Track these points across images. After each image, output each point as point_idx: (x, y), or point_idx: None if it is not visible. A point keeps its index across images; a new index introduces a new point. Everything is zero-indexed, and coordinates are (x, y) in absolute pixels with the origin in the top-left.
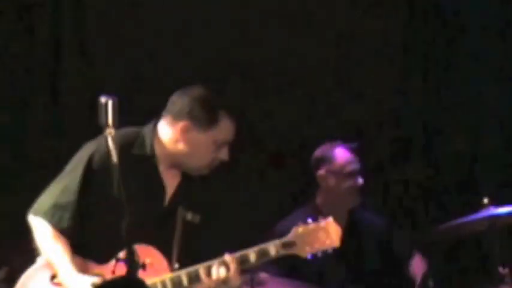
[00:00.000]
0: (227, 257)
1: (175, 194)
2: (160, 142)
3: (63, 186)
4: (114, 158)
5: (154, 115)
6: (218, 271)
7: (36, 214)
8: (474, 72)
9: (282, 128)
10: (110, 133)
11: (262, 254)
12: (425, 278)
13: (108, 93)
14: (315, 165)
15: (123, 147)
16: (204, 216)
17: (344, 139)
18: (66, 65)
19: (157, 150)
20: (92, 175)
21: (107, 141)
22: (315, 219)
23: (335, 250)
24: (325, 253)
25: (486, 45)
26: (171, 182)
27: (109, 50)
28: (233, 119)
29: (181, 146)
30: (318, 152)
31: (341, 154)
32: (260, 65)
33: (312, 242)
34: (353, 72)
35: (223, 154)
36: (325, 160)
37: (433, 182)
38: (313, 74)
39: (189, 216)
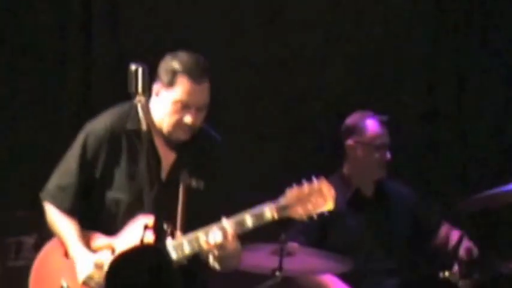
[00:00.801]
0: (224, 222)
1: (173, 167)
2: (150, 113)
3: (64, 169)
4: (144, 126)
5: None
6: (215, 237)
7: (43, 197)
8: None
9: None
10: (139, 101)
11: (258, 218)
12: (459, 241)
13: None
14: (345, 134)
15: (118, 123)
16: (208, 183)
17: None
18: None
19: (150, 123)
20: (87, 156)
21: (135, 109)
22: (343, 188)
23: (364, 217)
24: (321, 216)
25: None
26: (168, 154)
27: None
28: (195, 83)
29: (156, 109)
30: (348, 121)
31: (372, 126)
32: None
33: (306, 204)
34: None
35: (187, 118)
36: (355, 130)
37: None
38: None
39: (193, 183)
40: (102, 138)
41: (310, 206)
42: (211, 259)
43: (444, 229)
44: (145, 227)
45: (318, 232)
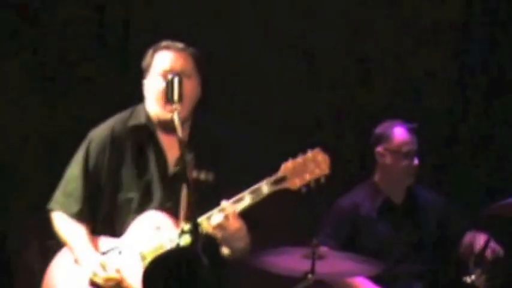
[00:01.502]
0: (223, 203)
1: (179, 158)
2: (148, 108)
3: (68, 176)
4: (179, 133)
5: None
6: (216, 218)
7: (51, 207)
8: None
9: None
10: (176, 109)
11: (256, 193)
12: (485, 245)
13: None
14: (374, 142)
15: (120, 125)
16: (216, 175)
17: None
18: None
19: (151, 117)
20: (90, 161)
21: (137, 109)
22: (373, 195)
23: (393, 224)
24: (318, 183)
25: None
26: (173, 146)
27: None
28: (167, 51)
29: (147, 99)
30: (378, 130)
31: (399, 134)
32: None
33: (301, 173)
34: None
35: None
36: (383, 138)
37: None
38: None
39: (202, 175)
40: (104, 142)
41: (306, 175)
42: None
43: (469, 236)
44: (182, 232)
45: (348, 236)
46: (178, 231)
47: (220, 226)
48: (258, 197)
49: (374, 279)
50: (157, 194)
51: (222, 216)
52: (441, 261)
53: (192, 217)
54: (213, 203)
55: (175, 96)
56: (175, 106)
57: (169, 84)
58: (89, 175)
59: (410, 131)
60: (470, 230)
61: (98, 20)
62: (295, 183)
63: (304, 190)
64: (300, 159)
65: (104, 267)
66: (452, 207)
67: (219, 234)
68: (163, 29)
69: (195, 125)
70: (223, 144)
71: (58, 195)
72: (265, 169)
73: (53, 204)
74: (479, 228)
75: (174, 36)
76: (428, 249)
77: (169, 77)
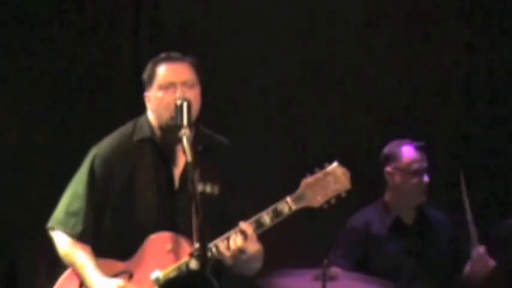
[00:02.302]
0: (243, 225)
1: (185, 171)
2: (151, 121)
3: (71, 195)
4: (189, 157)
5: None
6: (236, 240)
7: (52, 226)
8: None
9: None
10: (184, 133)
11: (276, 214)
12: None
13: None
14: (383, 162)
15: (124, 140)
16: (222, 188)
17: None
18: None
19: (155, 130)
20: (96, 179)
21: (140, 123)
22: (383, 215)
23: (404, 244)
24: (339, 199)
25: None
26: (178, 160)
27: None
28: (170, 63)
29: (152, 112)
30: (386, 149)
31: (408, 152)
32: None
33: (322, 190)
34: None
35: (178, 94)
36: (392, 157)
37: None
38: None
39: (208, 188)
40: (110, 159)
41: (327, 192)
42: (234, 265)
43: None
44: (190, 255)
45: (360, 256)
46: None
47: (240, 249)
48: (279, 218)
49: None
50: (166, 212)
51: (241, 239)
52: (452, 281)
53: (201, 240)
54: (219, 216)
55: (185, 121)
56: (185, 131)
57: (179, 109)
58: (94, 194)
59: (419, 149)
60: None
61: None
62: (318, 200)
63: (325, 207)
64: (319, 174)
65: None
66: (461, 231)
67: (238, 257)
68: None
69: (197, 135)
70: (227, 154)
71: (60, 213)
72: (272, 179)
73: (54, 223)
74: (491, 244)
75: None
76: (439, 269)
77: (178, 102)
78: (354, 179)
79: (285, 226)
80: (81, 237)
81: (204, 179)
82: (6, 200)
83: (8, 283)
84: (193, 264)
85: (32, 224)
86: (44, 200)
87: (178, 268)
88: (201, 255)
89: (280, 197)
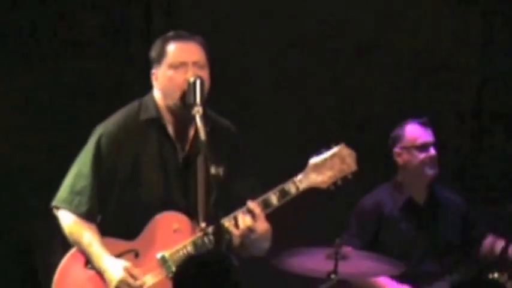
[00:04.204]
0: (251, 204)
1: (190, 152)
2: (157, 100)
3: (76, 173)
4: (203, 135)
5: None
6: (244, 220)
7: (56, 205)
8: None
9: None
10: (197, 112)
11: (283, 194)
12: (506, 248)
13: None
14: (391, 145)
15: (131, 118)
16: (226, 169)
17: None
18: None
19: (161, 110)
20: (102, 158)
21: (145, 101)
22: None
23: (416, 224)
24: (345, 180)
25: None
26: (184, 139)
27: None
28: (181, 42)
29: (159, 90)
30: (393, 132)
31: (410, 129)
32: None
33: (328, 171)
34: None
35: (189, 74)
36: (397, 138)
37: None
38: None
39: (213, 169)
40: (117, 138)
41: (333, 173)
42: (241, 245)
43: (489, 240)
44: (203, 231)
45: (372, 235)
46: (200, 233)
47: (248, 228)
48: (285, 198)
49: (397, 278)
50: (173, 191)
51: (250, 219)
52: (464, 261)
53: (214, 218)
54: (223, 198)
55: (198, 99)
56: (198, 109)
57: (192, 87)
58: (100, 173)
59: (422, 124)
60: (488, 235)
61: None
62: (324, 181)
63: (332, 188)
64: (326, 155)
65: (129, 272)
66: (473, 210)
67: (247, 237)
68: None
69: (204, 116)
70: (231, 136)
71: (65, 192)
72: (279, 160)
73: (58, 202)
74: (503, 225)
75: None
76: (450, 249)
77: (191, 79)
78: (366, 160)
79: (298, 205)
80: (86, 216)
81: (207, 160)
82: (21, 179)
83: (24, 263)
84: (208, 243)
85: (47, 203)
86: (59, 179)
87: (185, 247)
88: (217, 232)
89: (287, 177)
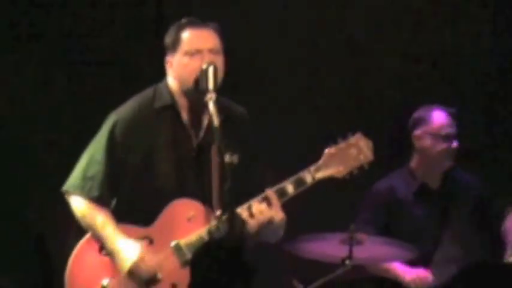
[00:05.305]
0: (269, 192)
1: (204, 139)
2: (172, 87)
3: (89, 159)
4: (216, 122)
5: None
6: (259, 208)
7: (67, 190)
8: None
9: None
10: (210, 98)
11: (299, 183)
12: None
13: None
14: (412, 126)
15: (145, 105)
16: (241, 157)
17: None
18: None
19: (175, 97)
20: (115, 144)
21: (160, 89)
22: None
23: (429, 208)
24: (362, 170)
25: None
26: (198, 126)
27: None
28: (196, 29)
29: (174, 78)
30: (416, 113)
31: (438, 116)
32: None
33: (345, 160)
34: None
35: (204, 61)
36: (422, 121)
37: None
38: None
39: (227, 157)
40: (132, 124)
41: (349, 162)
42: (256, 233)
43: (509, 221)
44: (218, 219)
45: (385, 220)
46: (215, 220)
47: (263, 216)
48: (301, 187)
49: (411, 263)
50: (187, 179)
51: (266, 207)
52: (479, 244)
53: (229, 206)
54: (238, 186)
55: (211, 85)
56: (211, 95)
57: (204, 73)
58: (113, 159)
59: (450, 114)
60: (509, 216)
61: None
62: (340, 171)
63: (348, 177)
64: (342, 144)
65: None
66: (490, 191)
67: (262, 225)
68: None
69: (218, 103)
70: (246, 123)
71: (77, 177)
72: (295, 149)
73: (69, 187)
74: None
75: None
76: (466, 233)
77: (204, 66)
78: (379, 146)
79: (311, 191)
80: (98, 201)
81: (222, 148)
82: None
83: (38, 249)
84: (223, 230)
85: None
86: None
87: (200, 235)
88: (232, 220)
89: (303, 167)
